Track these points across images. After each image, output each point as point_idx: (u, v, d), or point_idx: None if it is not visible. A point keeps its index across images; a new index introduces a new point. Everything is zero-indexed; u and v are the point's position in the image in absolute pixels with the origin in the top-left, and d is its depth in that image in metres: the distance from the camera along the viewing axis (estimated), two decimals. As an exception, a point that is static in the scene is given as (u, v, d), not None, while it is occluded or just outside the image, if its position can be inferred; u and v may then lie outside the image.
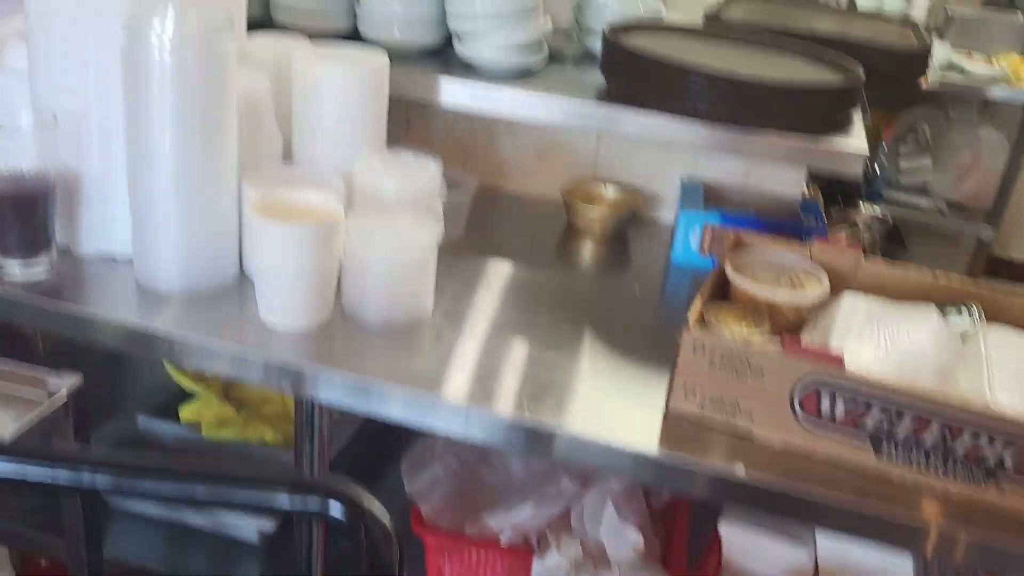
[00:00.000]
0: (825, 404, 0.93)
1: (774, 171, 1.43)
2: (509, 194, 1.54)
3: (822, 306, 1.12)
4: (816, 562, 1.25)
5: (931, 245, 3.29)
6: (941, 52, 2.97)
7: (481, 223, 1.41)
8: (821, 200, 1.49)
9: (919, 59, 1.48)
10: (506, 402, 0.99)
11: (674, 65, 1.23)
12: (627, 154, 1.48)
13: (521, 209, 1.50)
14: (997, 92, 2.89)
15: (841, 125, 1.26)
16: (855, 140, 1.23)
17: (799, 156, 1.22)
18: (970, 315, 1.11)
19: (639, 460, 0.94)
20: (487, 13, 1.31)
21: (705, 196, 1.42)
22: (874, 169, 3.15)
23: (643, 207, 1.49)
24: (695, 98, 1.21)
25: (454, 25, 1.35)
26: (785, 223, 1.33)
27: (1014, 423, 0.86)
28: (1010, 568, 0.88)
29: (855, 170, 1.20)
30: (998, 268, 3.55)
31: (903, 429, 0.91)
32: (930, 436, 0.90)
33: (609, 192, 1.47)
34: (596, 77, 1.35)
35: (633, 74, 1.27)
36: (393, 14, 1.35)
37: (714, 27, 1.50)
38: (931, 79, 2.83)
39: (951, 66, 2.97)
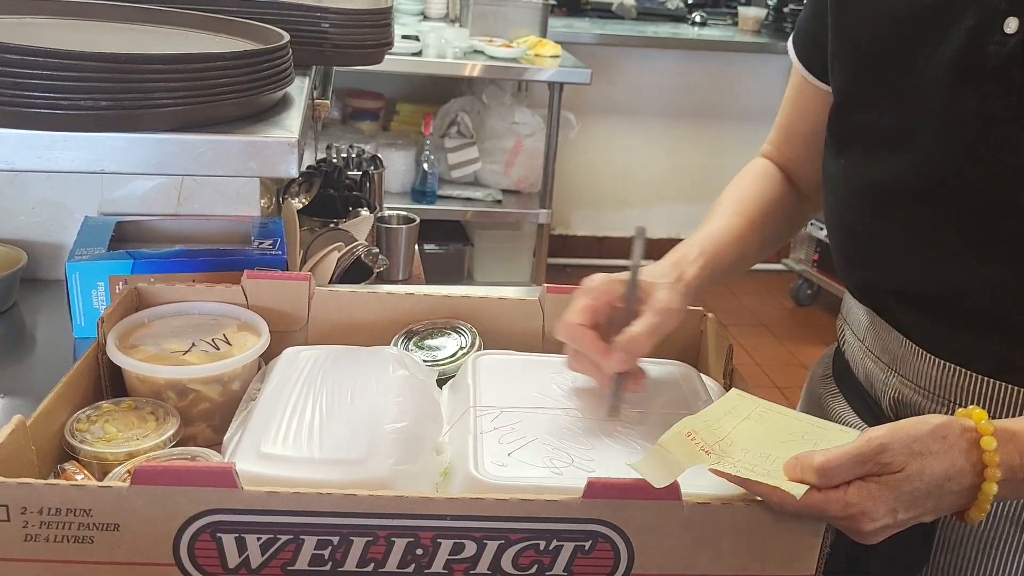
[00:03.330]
0: (231, 551, 0.57)
1: (217, 186, 1.07)
2: None
3: (264, 374, 0.77)
4: None
5: (496, 237, 3.21)
6: (461, 39, 2.86)
7: None
8: (293, 215, 1.15)
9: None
10: None
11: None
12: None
13: None
14: (520, 73, 2.84)
15: (266, 112, 0.93)
16: (284, 130, 0.89)
17: (196, 160, 0.85)
18: (464, 340, 0.83)
19: None
20: None
21: (122, 236, 1.01)
22: (423, 168, 2.97)
23: (38, 267, 1.04)
24: (29, 97, 0.80)
25: None
26: (228, 255, 0.97)
27: (497, 508, 0.57)
28: None
29: (286, 168, 0.87)
30: (562, 246, 3.60)
31: (355, 558, 0.58)
32: (396, 558, 0.58)
33: (-23, 254, 1.01)
34: None
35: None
36: None
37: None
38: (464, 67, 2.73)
39: (474, 52, 2.88)
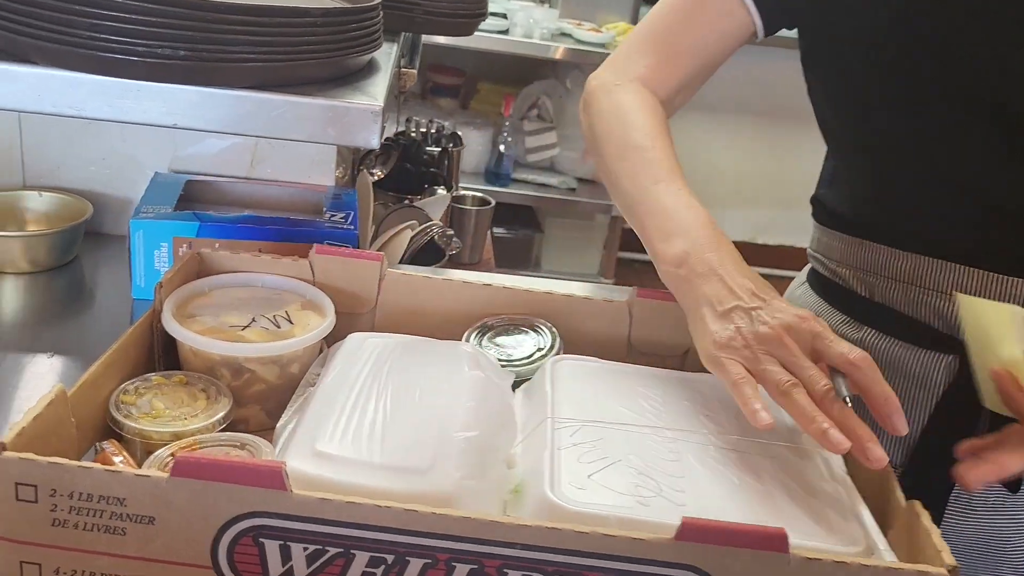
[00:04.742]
0: (274, 559, 0.51)
1: (292, 151, 1.01)
2: None
3: (325, 359, 0.71)
4: None
5: (567, 227, 3.13)
6: (550, 20, 2.78)
7: None
8: (368, 188, 1.09)
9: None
10: None
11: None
12: (68, 143, 0.99)
13: None
14: (608, 59, 2.75)
15: (350, 76, 0.87)
16: (367, 97, 0.83)
17: (272, 122, 0.80)
18: (542, 340, 0.76)
19: None
20: None
21: (191, 196, 0.96)
22: (500, 149, 2.91)
23: (104, 220, 1.00)
24: (104, 40, 0.75)
25: None
26: (298, 226, 0.91)
27: (575, 541, 0.50)
28: None
29: (368, 138, 0.81)
30: (631, 241, 3.49)
31: (411, 580, 0.51)
32: (455, 585, 0.51)
33: (42, 204, 0.97)
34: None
35: (10, 11, 0.78)
36: None
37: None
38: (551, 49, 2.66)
39: (562, 34, 2.80)
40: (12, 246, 0.89)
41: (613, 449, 0.60)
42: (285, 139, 0.83)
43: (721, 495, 0.58)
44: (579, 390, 0.67)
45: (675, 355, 0.78)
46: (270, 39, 0.78)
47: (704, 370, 0.74)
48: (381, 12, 0.90)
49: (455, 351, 0.69)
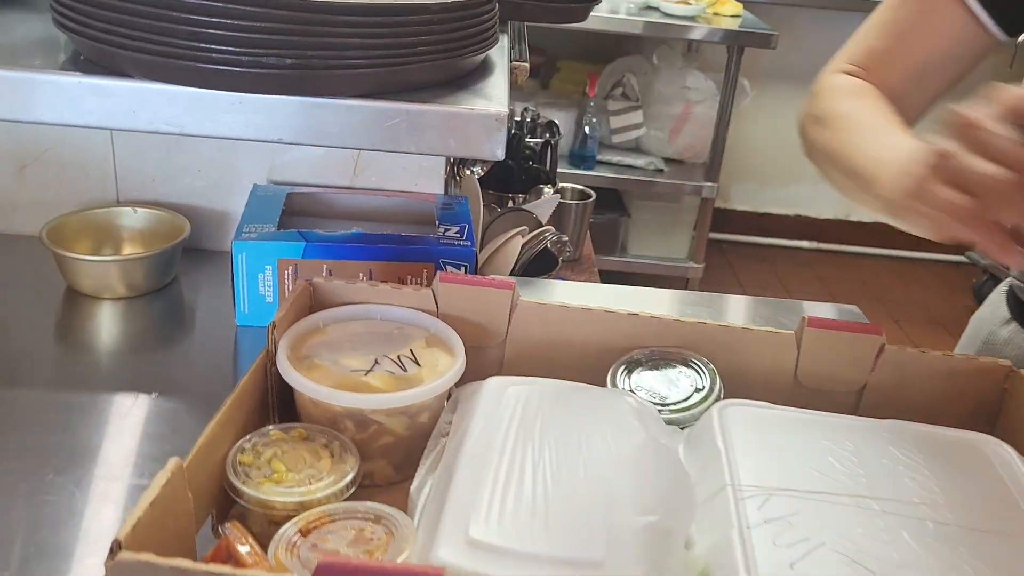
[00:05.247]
0: (432, 676, 0.43)
1: (398, 157, 0.93)
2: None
3: (457, 404, 0.63)
4: None
5: (654, 209, 3.01)
6: (636, -6, 2.65)
7: None
8: (476, 192, 1.01)
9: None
10: None
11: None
12: (162, 154, 0.92)
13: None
14: (697, 32, 2.61)
15: (463, 78, 0.78)
16: (488, 100, 0.74)
17: (387, 134, 0.71)
18: (700, 379, 0.67)
19: None
20: None
21: (293, 210, 0.89)
22: (584, 131, 2.80)
23: (201, 235, 0.94)
24: (206, 51, 0.68)
25: None
26: (411, 244, 0.83)
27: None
28: None
29: (491, 149, 0.72)
30: (718, 221, 3.34)
31: None
32: None
33: (138, 221, 0.91)
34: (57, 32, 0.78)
35: (104, 21, 0.71)
36: None
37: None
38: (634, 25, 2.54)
39: (648, 8, 2.66)
40: (109, 271, 0.83)
41: (814, 527, 0.51)
42: (401, 152, 0.75)
43: (954, 588, 0.48)
44: (757, 447, 0.57)
45: (850, 391, 0.68)
46: (384, 40, 0.70)
47: (892, 415, 0.64)
48: (497, 3, 0.81)
49: (615, 403, 0.59)
